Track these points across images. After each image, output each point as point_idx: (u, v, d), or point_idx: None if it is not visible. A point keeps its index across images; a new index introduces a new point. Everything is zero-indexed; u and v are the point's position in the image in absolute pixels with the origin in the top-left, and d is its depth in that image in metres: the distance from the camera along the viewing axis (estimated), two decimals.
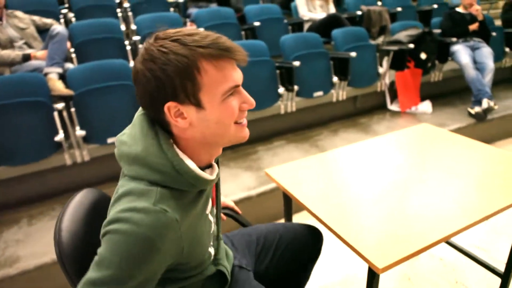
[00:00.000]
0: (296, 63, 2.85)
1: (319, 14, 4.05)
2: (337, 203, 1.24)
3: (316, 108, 3.27)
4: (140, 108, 0.80)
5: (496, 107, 3.29)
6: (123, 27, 3.48)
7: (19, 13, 2.98)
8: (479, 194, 1.24)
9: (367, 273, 1.06)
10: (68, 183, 2.48)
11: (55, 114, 2.32)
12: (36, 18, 3.09)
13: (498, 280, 1.65)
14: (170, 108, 0.71)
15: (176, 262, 0.77)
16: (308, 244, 1.25)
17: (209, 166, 0.83)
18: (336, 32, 3.41)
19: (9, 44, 2.87)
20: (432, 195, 1.24)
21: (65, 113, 2.36)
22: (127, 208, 0.67)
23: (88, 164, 2.46)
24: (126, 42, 3.21)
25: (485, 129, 3.33)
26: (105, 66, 2.58)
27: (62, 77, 2.68)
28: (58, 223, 0.87)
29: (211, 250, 0.92)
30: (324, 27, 3.61)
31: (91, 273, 0.66)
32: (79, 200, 0.96)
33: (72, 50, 3.15)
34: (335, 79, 3.19)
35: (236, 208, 1.34)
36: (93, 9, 3.68)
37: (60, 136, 2.33)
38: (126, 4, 3.97)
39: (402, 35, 3.56)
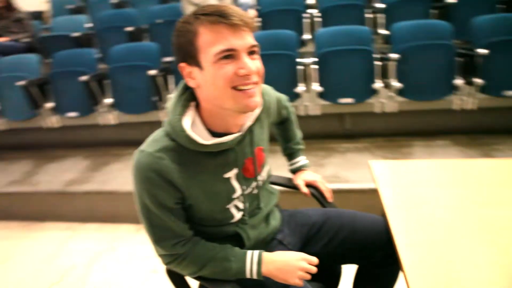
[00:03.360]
0: (483, 51, 2.34)
1: None
2: (423, 222, 1.02)
3: (507, 110, 2.63)
4: None
5: None
6: None
7: None
8: None
9: None
10: None
11: None
12: None
13: None
14: (183, 68, 0.84)
15: (187, 204, 0.91)
16: (379, 238, 1.08)
17: (229, 134, 0.89)
18: None
19: None
20: None
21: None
22: (140, 149, 0.87)
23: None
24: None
25: None
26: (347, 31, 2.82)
27: None
28: None
29: (234, 212, 0.98)
30: None
31: None
32: None
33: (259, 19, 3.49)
34: None
35: (324, 190, 1.31)
36: None
37: None
38: None
39: None
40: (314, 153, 2.65)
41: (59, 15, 4.54)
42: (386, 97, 2.68)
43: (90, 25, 4.21)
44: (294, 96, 2.77)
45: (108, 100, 3.04)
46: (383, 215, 1.11)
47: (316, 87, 2.71)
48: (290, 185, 1.33)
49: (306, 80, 2.77)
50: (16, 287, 2.05)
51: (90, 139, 3.31)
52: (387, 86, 2.65)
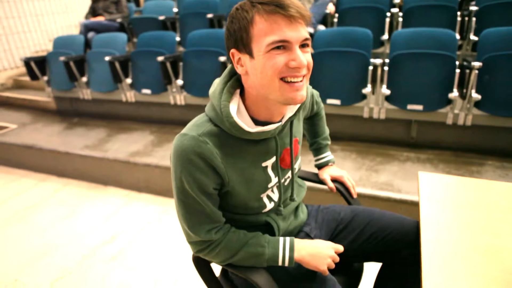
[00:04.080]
0: None
1: None
2: (458, 243, 0.92)
3: None
4: None
5: None
6: None
7: None
8: None
9: None
10: None
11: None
12: None
13: None
14: (234, 54, 0.84)
15: (224, 191, 0.91)
16: (407, 236, 1.06)
17: (270, 123, 0.88)
18: None
19: None
20: None
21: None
22: (182, 133, 0.86)
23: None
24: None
25: None
26: (428, 34, 2.65)
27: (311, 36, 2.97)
28: None
29: (266, 202, 0.98)
30: None
31: None
32: None
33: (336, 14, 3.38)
34: None
35: (349, 186, 1.29)
36: None
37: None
38: None
39: None
40: (371, 158, 2.52)
41: None
42: (461, 108, 2.44)
43: (176, 9, 4.46)
44: (360, 97, 2.66)
45: (179, 82, 3.20)
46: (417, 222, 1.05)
47: (385, 90, 2.57)
48: (316, 179, 1.32)
49: (374, 81, 2.64)
50: (76, 239, 2.28)
51: (159, 116, 3.53)
52: (462, 96, 2.41)
